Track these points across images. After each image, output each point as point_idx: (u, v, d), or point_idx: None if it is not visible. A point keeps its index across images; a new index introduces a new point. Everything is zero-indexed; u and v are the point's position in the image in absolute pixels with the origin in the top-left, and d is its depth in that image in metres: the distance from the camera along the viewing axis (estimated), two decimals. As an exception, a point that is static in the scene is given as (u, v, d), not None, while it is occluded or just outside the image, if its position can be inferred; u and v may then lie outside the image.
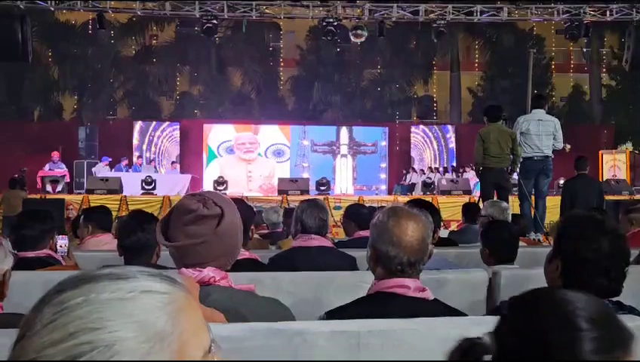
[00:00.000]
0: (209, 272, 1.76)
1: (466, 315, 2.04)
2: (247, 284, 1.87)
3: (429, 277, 2.07)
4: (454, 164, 20.88)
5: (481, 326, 1.72)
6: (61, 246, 3.32)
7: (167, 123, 21.75)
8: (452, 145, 21.93)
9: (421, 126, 23.18)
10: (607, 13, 15.45)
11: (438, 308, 1.96)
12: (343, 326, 1.64)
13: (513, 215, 5.86)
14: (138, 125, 21.16)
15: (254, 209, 7.75)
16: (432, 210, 3.26)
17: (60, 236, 3.36)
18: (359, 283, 2.61)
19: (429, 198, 12.22)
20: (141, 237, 2.84)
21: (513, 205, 8.02)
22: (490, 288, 2.83)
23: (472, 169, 14.23)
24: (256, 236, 4.59)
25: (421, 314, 1.73)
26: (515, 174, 8.32)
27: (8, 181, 12.88)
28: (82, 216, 4.50)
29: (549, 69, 25.89)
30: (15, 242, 3.09)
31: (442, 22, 15.65)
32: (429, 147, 22.17)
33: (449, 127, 22.74)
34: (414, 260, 1.98)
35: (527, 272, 2.87)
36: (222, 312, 1.69)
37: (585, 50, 26.20)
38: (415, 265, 1.99)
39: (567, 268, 1.93)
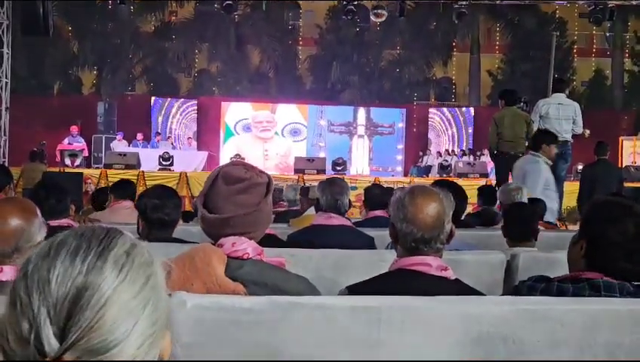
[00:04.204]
0: (247, 247, 1.76)
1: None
2: (277, 258, 1.87)
3: (447, 258, 2.08)
4: (471, 147, 20.75)
5: (500, 305, 1.74)
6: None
7: (185, 100, 21.78)
8: (470, 128, 21.77)
9: (439, 108, 23.02)
10: (633, -4, 15.18)
11: (459, 288, 1.96)
12: (364, 301, 1.65)
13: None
14: (156, 101, 21.24)
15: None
16: (461, 193, 3.24)
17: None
18: (378, 262, 2.62)
19: (445, 181, 12.16)
20: (168, 214, 2.89)
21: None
22: (508, 270, 2.83)
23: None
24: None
25: (442, 293, 1.74)
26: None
27: (29, 154, 13.01)
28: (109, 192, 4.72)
29: (571, 52, 25.50)
30: (44, 212, 3.14)
31: (464, 3, 15.45)
32: (446, 129, 22.03)
33: (467, 109, 22.57)
34: (428, 237, 1.99)
35: (546, 255, 2.88)
36: (251, 284, 1.71)
37: (608, 34, 25.76)
38: (430, 242, 2.00)
39: (590, 249, 1.93)
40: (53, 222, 3.07)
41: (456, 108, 22.99)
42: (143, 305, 0.80)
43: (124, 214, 4.28)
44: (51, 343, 0.74)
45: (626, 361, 1.65)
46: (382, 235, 3.59)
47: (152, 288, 0.82)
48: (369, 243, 3.40)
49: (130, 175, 12.73)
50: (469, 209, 9.39)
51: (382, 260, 2.61)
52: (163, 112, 21.16)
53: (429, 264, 1.98)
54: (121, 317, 0.77)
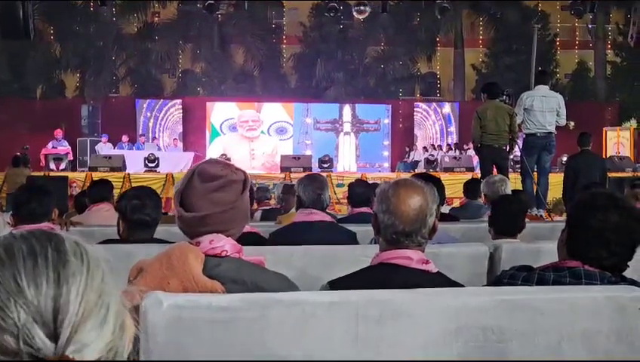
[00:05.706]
0: (225, 244, 1.74)
1: (466, 288, 2.04)
2: (256, 257, 1.85)
3: (429, 251, 2.07)
4: (457, 141, 20.83)
5: (480, 296, 1.73)
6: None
7: (170, 100, 21.69)
8: (455, 122, 21.85)
9: (424, 103, 23.08)
10: (614, -12, 15.27)
11: (440, 281, 1.95)
12: (342, 296, 1.64)
13: (515, 191, 5.85)
14: (140, 103, 21.14)
15: (256, 186, 7.75)
16: (438, 185, 3.24)
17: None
18: (360, 257, 2.61)
19: (431, 175, 12.18)
20: (149, 214, 2.88)
21: (516, 181, 8.01)
22: (491, 262, 2.83)
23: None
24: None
25: (423, 286, 1.73)
26: (517, 150, 8.31)
27: (12, 159, 12.90)
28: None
29: (554, 45, 25.62)
30: (24, 216, 3.11)
31: (446, -2, 15.49)
32: (432, 124, 22.09)
33: (452, 104, 22.64)
34: (410, 230, 1.98)
35: (529, 246, 2.88)
36: (229, 282, 1.69)
37: (590, 26, 25.91)
38: (411, 235, 1.98)
39: (571, 235, 1.93)
40: (32, 226, 3.02)
41: (442, 103, 23.05)
42: (109, 288, 0.81)
43: (103, 216, 4.23)
44: (47, 345, 0.73)
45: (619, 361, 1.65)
46: (365, 230, 3.58)
47: (106, 273, 0.83)
48: (351, 239, 3.39)
49: (115, 177, 12.65)
50: (456, 203, 9.42)
51: (365, 255, 2.60)
52: (148, 113, 21.06)
53: (410, 257, 1.98)
54: (99, 303, 0.78)
